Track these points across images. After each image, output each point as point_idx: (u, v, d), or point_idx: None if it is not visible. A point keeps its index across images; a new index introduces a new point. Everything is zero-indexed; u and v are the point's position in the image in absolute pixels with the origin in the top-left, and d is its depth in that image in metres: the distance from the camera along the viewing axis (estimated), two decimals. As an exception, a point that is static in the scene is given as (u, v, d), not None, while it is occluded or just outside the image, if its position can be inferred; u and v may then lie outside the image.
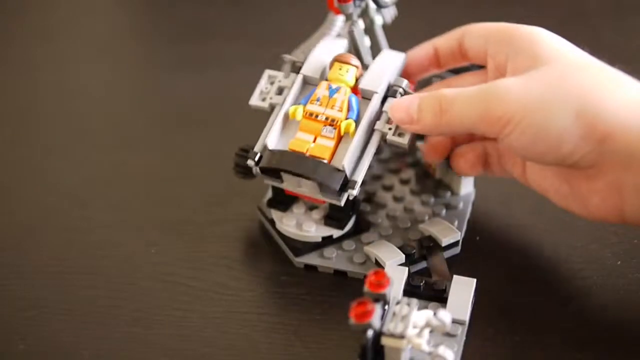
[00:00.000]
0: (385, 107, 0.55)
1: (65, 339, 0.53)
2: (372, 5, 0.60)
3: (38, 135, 0.71)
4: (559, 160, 0.50)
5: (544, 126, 0.49)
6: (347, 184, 0.54)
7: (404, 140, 0.54)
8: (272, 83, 0.57)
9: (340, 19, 0.61)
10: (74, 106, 0.75)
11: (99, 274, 0.57)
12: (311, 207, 0.58)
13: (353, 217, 0.58)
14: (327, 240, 0.57)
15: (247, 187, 0.60)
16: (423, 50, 0.59)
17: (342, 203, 0.55)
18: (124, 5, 0.93)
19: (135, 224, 0.61)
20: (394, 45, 0.65)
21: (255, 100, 0.57)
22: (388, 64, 0.57)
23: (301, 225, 0.57)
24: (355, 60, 0.56)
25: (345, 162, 0.54)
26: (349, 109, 0.55)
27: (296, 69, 0.57)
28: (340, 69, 0.56)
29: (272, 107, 0.57)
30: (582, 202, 0.53)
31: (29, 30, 0.85)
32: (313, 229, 0.57)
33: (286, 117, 0.56)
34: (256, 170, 0.56)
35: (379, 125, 0.55)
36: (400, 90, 0.56)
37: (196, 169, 0.66)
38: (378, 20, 0.63)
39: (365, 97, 0.56)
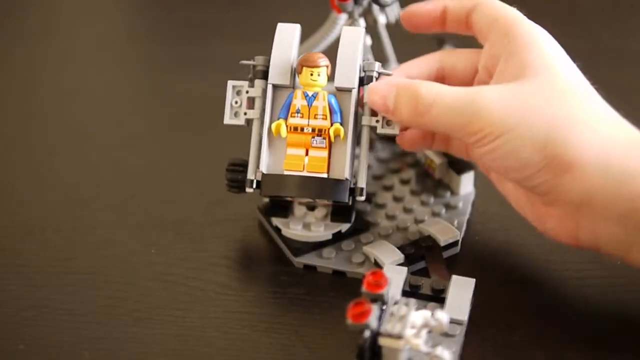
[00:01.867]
0: (367, 99, 0.54)
1: (65, 339, 0.53)
2: (376, 5, 0.60)
3: (38, 136, 0.71)
4: (519, 180, 0.51)
5: (515, 149, 0.50)
6: (353, 190, 0.54)
7: (395, 130, 0.54)
8: (238, 93, 0.56)
9: (342, 18, 0.60)
10: (74, 106, 0.75)
11: (99, 274, 0.57)
12: (310, 208, 0.58)
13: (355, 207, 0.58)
14: (328, 240, 0.57)
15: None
16: (431, 7, 0.57)
17: (350, 202, 0.55)
18: (124, 6, 0.93)
19: (135, 224, 0.61)
20: (396, 44, 0.65)
21: (228, 119, 0.55)
22: (353, 49, 0.55)
23: (309, 226, 0.57)
24: (323, 61, 0.54)
25: (347, 172, 0.54)
26: (332, 111, 0.54)
27: (258, 72, 0.55)
28: (311, 75, 0.54)
29: (248, 122, 0.56)
30: (539, 220, 0.54)
31: (30, 30, 0.85)
32: (322, 228, 0.57)
33: (270, 133, 0.55)
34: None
35: (365, 120, 0.55)
36: (375, 74, 0.55)
37: (196, 169, 0.66)
38: (382, 19, 0.63)
39: (342, 90, 0.55)
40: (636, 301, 0.54)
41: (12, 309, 0.55)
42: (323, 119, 0.54)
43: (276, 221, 0.58)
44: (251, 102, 0.56)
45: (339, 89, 0.55)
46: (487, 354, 0.52)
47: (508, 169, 0.51)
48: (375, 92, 0.53)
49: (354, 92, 0.54)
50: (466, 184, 0.61)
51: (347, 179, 0.54)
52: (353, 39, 0.55)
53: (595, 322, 0.53)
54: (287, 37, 0.55)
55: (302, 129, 0.54)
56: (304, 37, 0.62)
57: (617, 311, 0.54)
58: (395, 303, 0.48)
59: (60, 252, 0.59)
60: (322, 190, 0.54)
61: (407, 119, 0.53)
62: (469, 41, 0.57)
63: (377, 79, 0.55)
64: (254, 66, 0.56)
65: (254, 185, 0.55)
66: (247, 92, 0.55)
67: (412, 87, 0.52)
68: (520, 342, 0.52)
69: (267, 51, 0.56)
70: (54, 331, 0.54)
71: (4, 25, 0.86)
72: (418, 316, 0.47)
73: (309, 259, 0.57)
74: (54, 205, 0.63)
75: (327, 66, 0.55)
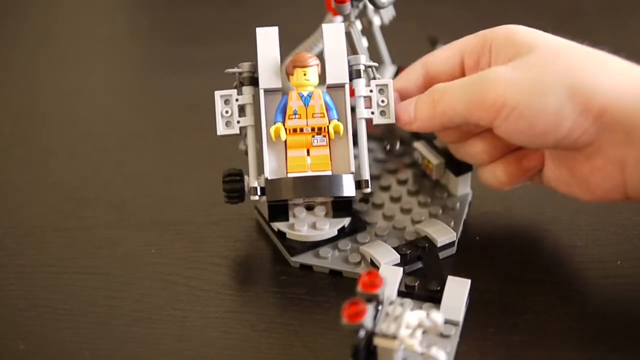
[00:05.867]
0: (360, 92, 0.55)
1: (65, 339, 0.53)
2: (371, 7, 0.60)
3: (38, 136, 0.71)
4: (558, 141, 0.50)
5: (541, 107, 0.49)
6: (359, 183, 0.55)
7: (390, 119, 0.55)
8: (226, 102, 0.56)
9: (338, 20, 0.60)
10: (75, 107, 0.75)
11: (99, 273, 0.58)
12: (308, 207, 0.58)
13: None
14: (325, 240, 0.57)
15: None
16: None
17: (352, 194, 0.55)
18: (124, 7, 0.93)
19: (135, 224, 0.61)
20: (392, 45, 0.65)
21: (222, 130, 0.55)
22: (339, 45, 0.56)
23: (314, 224, 0.57)
24: (313, 60, 0.55)
25: (352, 166, 0.54)
26: (327, 108, 0.55)
27: (246, 79, 0.56)
28: (305, 75, 0.54)
29: (242, 130, 0.56)
30: (584, 184, 0.52)
31: (30, 32, 0.85)
32: (327, 226, 0.57)
33: (269, 138, 0.55)
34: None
35: (360, 113, 0.55)
36: (362, 67, 0.55)
37: (196, 169, 0.66)
38: (376, 21, 0.63)
39: (334, 87, 0.55)
40: (636, 301, 0.54)
41: (12, 309, 0.55)
42: (321, 117, 0.54)
43: (280, 225, 0.57)
44: (242, 110, 0.56)
45: (331, 86, 0.55)
46: (486, 353, 0.52)
47: (544, 130, 0.50)
48: (402, 110, 0.55)
49: (347, 87, 0.55)
50: (463, 185, 0.61)
51: (352, 173, 0.54)
52: (336, 36, 0.56)
53: (596, 322, 0.53)
54: (269, 41, 0.56)
55: (301, 130, 0.54)
56: (302, 39, 0.62)
57: (618, 311, 0.54)
58: (391, 303, 0.48)
59: (60, 252, 0.59)
60: (330, 187, 0.54)
61: (427, 115, 0.53)
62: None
63: (364, 71, 0.55)
64: (240, 73, 0.56)
65: (259, 192, 0.55)
66: (236, 100, 0.55)
67: (429, 90, 0.54)
68: (520, 342, 0.52)
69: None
70: (54, 331, 0.54)
71: (4, 26, 0.86)
72: (413, 316, 0.47)
73: (306, 258, 0.57)
74: (54, 205, 0.63)
75: (317, 65, 0.55)
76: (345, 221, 0.57)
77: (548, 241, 0.59)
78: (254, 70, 0.55)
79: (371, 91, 0.55)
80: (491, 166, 0.56)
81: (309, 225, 0.57)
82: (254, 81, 0.55)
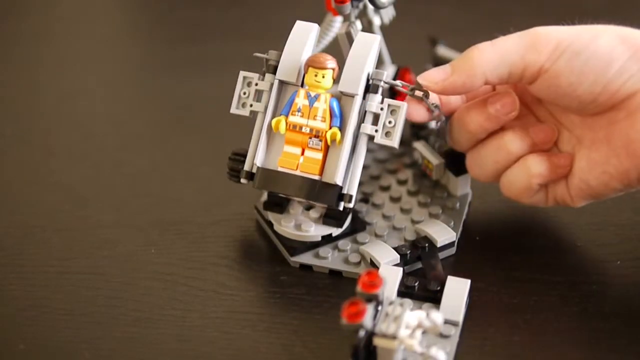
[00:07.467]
0: (370, 108, 0.54)
1: (65, 339, 0.53)
2: (371, 7, 0.60)
3: (38, 135, 0.71)
4: (605, 85, 0.51)
5: (594, 46, 0.51)
6: (342, 196, 0.54)
7: (393, 142, 0.54)
8: (248, 84, 0.56)
9: (338, 20, 0.60)
10: (74, 106, 0.75)
11: (99, 274, 0.58)
12: (307, 207, 0.58)
13: (350, 213, 0.58)
14: (325, 240, 0.57)
15: (246, 187, 0.60)
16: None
17: (341, 208, 0.55)
18: (124, 6, 0.93)
19: (135, 224, 0.61)
20: (392, 45, 0.65)
21: (235, 108, 0.56)
22: (364, 55, 0.54)
23: (300, 225, 0.57)
24: (331, 63, 0.54)
25: (338, 177, 0.54)
26: (332, 115, 0.54)
27: (270, 67, 0.56)
28: (316, 76, 0.54)
29: (253, 113, 0.56)
30: (624, 149, 0.52)
31: (30, 31, 0.85)
32: (312, 229, 0.57)
33: (270, 129, 0.55)
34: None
35: (365, 128, 0.54)
36: (382, 84, 0.54)
37: (196, 169, 0.66)
38: (376, 21, 0.63)
39: (346, 95, 0.55)
40: (637, 300, 0.54)
41: (12, 309, 0.55)
42: (322, 121, 0.54)
43: (270, 216, 0.58)
44: (258, 95, 0.56)
45: (343, 94, 0.55)
46: (486, 353, 0.52)
47: (596, 68, 0.51)
48: (431, 71, 0.54)
49: (357, 99, 0.54)
50: (463, 185, 0.61)
51: (337, 184, 0.54)
52: (366, 46, 0.55)
53: (595, 322, 0.53)
54: (301, 35, 0.56)
55: (300, 128, 0.54)
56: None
57: (618, 311, 0.54)
58: (391, 303, 0.48)
59: (60, 252, 0.59)
60: (312, 192, 0.54)
61: (468, 66, 0.53)
62: (462, 41, 0.57)
63: (382, 88, 0.54)
64: (267, 60, 0.56)
65: (248, 177, 0.55)
66: (256, 84, 0.56)
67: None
68: (520, 342, 0.52)
69: (272, 49, 0.56)
70: (54, 331, 0.54)
71: (4, 25, 0.86)
72: (412, 317, 0.47)
73: (305, 258, 0.57)
74: (54, 205, 0.63)
75: (333, 69, 0.54)
76: (333, 230, 0.57)
77: (548, 241, 0.59)
78: (280, 60, 0.55)
79: (382, 109, 0.54)
80: (520, 162, 0.55)
81: (296, 224, 0.57)
82: (276, 71, 0.55)
